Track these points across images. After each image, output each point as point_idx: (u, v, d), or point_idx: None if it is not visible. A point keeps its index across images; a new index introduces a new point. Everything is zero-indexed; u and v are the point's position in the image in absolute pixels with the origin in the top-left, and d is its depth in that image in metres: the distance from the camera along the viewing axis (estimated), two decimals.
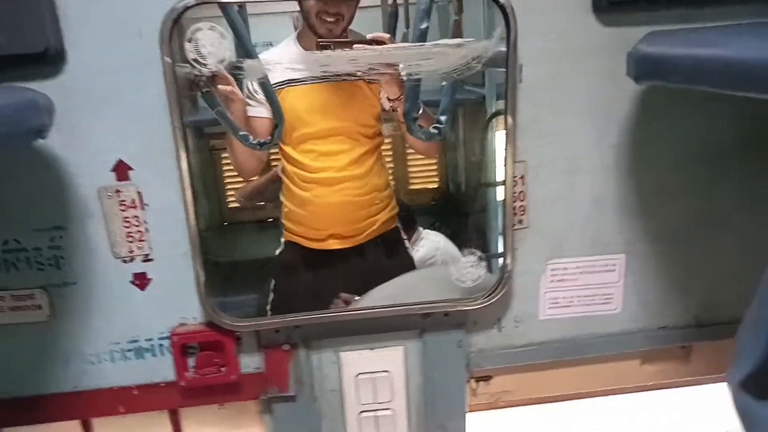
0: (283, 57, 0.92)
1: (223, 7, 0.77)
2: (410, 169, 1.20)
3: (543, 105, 0.91)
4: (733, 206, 1.02)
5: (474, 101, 1.07)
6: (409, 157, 1.19)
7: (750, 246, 1.05)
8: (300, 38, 0.94)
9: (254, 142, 0.96)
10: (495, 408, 1.14)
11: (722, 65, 0.52)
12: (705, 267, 1.06)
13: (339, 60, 0.80)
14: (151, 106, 0.82)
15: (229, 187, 1.15)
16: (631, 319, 1.07)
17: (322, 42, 0.81)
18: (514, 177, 0.93)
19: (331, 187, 1.02)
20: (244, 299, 1.07)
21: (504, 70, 0.85)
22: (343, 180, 1.02)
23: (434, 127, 0.96)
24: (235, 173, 1.13)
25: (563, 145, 0.94)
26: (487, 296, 0.95)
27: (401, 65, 0.81)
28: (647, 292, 1.05)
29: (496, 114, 1.09)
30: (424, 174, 1.23)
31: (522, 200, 0.96)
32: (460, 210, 1.24)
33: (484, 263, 0.95)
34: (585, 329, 1.06)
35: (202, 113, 0.94)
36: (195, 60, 0.77)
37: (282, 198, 1.07)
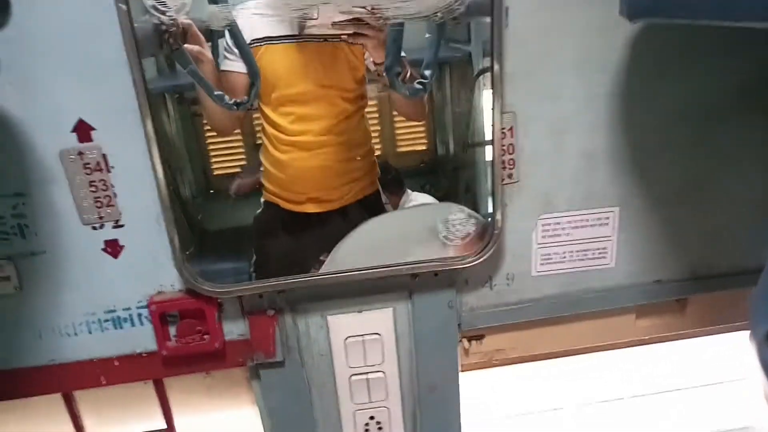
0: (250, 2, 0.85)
1: None
2: (397, 132, 1.16)
3: (531, 53, 0.86)
4: (724, 161, 0.99)
5: (460, 59, 1.02)
6: (396, 120, 1.14)
7: (741, 200, 1.02)
8: None
9: (230, 102, 0.91)
10: (488, 367, 1.12)
11: None
12: (698, 221, 1.03)
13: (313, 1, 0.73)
14: (110, 60, 0.76)
15: (213, 154, 1.10)
16: (626, 274, 1.04)
17: None
18: (503, 129, 0.88)
19: (309, 151, 0.97)
20: (233, 267, 1.04)
21: (488, 18, 0.79)
22: (322, 144, 0.97)
23: (419, 83, 0.91)
24: (218, 137, 1.09)
25: (552, 96, 0.89)
26: (478, 254, 0.92)
27: (381, 6, 0.75)
28: (641, 245, 1.02)
29: (483, 71, 1.04)
30: (412, 136, 1.19)
31: (511, 153, 0.92)
32: (449, 171, 1.20)
33: (473, 220, 0.90)
34: (578, 284, 1.03)
35: (180, 77, 0.88)
36: (153, 6, 0.71)
37: (261, 158, 1.02)
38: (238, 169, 1.12)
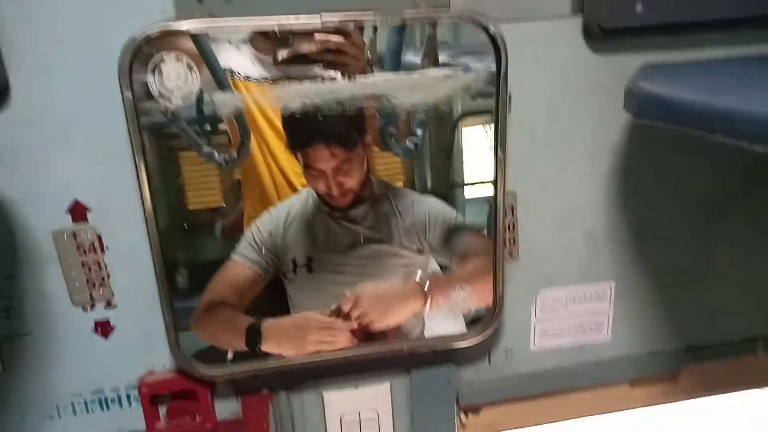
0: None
1: (196, 38, 0.69)
2: (376, 166, 1.14)
3: (533, 137, 0.87)
4: (720, 240, 1.01)
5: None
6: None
7: (734, 281, 1.04)
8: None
9: (219, 159, 0.89)
10: None
11: (743, 119, 0.48)
12: (692, 297, 1.04)
13: (318, 92, 0.73)
14: (111, 142, 0.74)
15: (190, 188, 1.05)
16: (621, 346, 1.04)
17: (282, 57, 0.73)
18: (504, 209, 0.88)
19: None
20: None
21: (493, 100, 0.80)
22: None
23: (410, 142, 0.91)
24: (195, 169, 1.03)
25: (554, 176, 0.90)
26: (479, 333, 0.91)
27: (387, 96, 0.75)
28: (637, 318, 1.03)
29: (465, 114, 1.05)
30: (389, 171, 1.18)
31: (512, 231, 0.92)
32: None
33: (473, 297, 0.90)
34: (575, 358, 1.03)
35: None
36: (159, 94, 0.69)
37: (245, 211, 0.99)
38: (216, 204, 1.07)
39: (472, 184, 1.20)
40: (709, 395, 1.19)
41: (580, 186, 0.91)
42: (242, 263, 0.90)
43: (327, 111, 0.76)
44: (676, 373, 1.11)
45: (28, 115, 0.72)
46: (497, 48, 0.74)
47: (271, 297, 0.96)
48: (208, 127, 0.90)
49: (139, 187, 0.75)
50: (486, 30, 0.73)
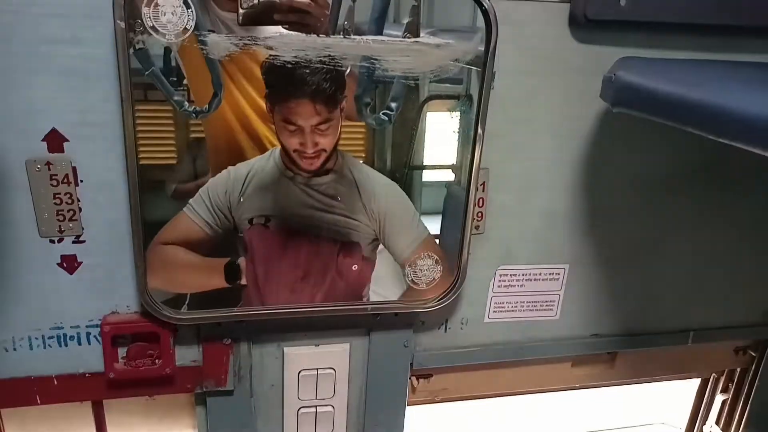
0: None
1: None
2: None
3: (511, 115, 0.91)
4: (668, 231, 1.08)
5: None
6: None
7: (678, 267, 1.12)
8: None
9: (189, 109, 0.89)
10: (431, 403, 1.16)
11: (722, 115, 0.53)
12: (638, 282, 1.11)
13: (313, 45, 0.74)
14: (98, 70, 0.73)
15: (141, 142, 1.03)
16: (568, 326, 1.11)
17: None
18: (477, 184, 0.92)
19: None
20: None
21: (479, 70, 0.83)
22: None
23: (384, 114, 0.93)
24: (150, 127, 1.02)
25: (525, 156, 0.95)
26: (440, 299, 0.95)
27: (378, 59, 0.77)
28: (584, 301, 1.09)
29: (430, 98, 1.08)
30: (350, 149, 1.20)
31: (480, 206, 0.96)
32: None
33: (440, 267, 0.94)
34: (525, 333, 1.09)
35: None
36: (153, 28, 0.69)
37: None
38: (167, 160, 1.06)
39: (433, 167, 1.24)
40: (640, 380, 1.29)
41: (547, 167, 0.96)
42: (192, 218, 0.90)
43: (316, 66, 0.77)
44: (614, 355, 1.19)
45: (3, 31, 0.70)
46: (488, 23, 0.77)
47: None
48: (174, 79, 0.90)
49: (123, 120, 0.74)
50: (480, 4, 0.76)
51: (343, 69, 0.80)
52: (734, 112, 0.51)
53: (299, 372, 0.97)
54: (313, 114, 0.85)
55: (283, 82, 0.83)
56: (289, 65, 0.76)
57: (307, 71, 0.79)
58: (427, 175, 1.21)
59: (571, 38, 0.88)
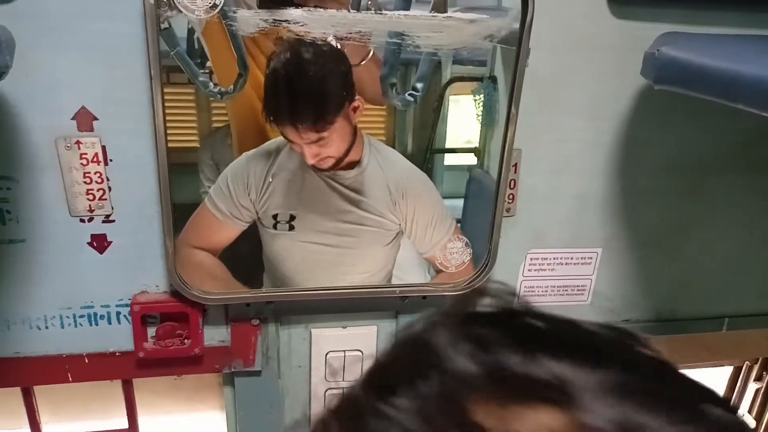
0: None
1: None
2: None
3: (544, 94, 0.88)
4: (703, 215, 1.05)
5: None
6: None
7: (712, 252, 1.08)
8: None
9: (215, 90, 0.88)
10: None
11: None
12: (670, 267, 1.08)
13: (344, 21, 0.72)
14: (127, 47, 0.72)
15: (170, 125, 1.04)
16: (598, 311, 1.08)
17: None
18: (510, 164, 0.90)
19: None
20: None
21: (514, 48, 0.80)
22: None
23: (410, 94, 0.91)
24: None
25: (558, 137, 0.92)
26: (469, 283, 0.93)
27: (412, 34, 0.75)
28: (616, 286, 1.07)
29: (453, 80, 1.05)
30: (371, 132, 1.18)
31: (512, 188, 0.93)
32: None
33: (470, 249, 0.92)
34: None
35: None
36: (181, 3, 0.68)
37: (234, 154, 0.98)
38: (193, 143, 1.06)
39: (455, 150, 1.21)
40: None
41: (580, 148, 0.93)
42: (215, 213, 0.89)
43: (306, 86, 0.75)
44: None
45: (38, 6, 0.69)
46: None
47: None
48: (198, 61, 0.89)
49: (152, 98, 0.73)
50: None
51: (341, 82, 0.78)
52: None
53: (326, 353, 0.97)
54: (299, 138, 0.83)
55: (268, 102, 0.81)
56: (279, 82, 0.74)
57: (285, 95, 0.78)
58: (448, 159, 1.20)
59: (609, 14, 0.85)
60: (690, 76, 0.64)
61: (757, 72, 0.53)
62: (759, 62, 0.55)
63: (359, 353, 0.98)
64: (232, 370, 0.94)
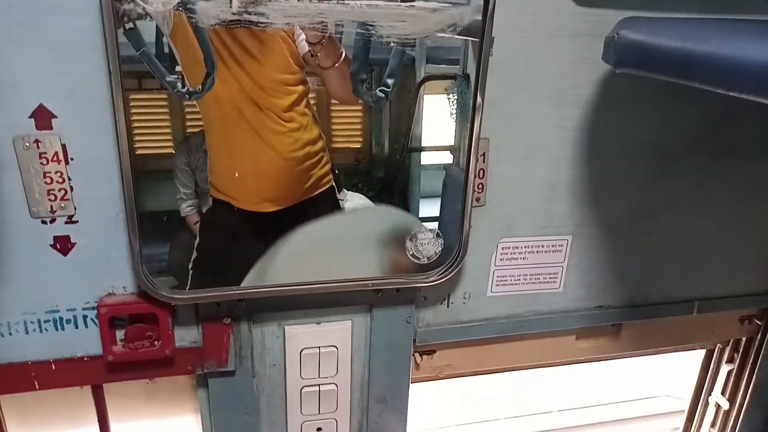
0: None
1: None
2: (333, 127, 1.15)
3: (510, 82, 0.89)
4: (671, 200, 1.07)
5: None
6: (332, 114, 1.13)
7: (681, 236, 1.10)
8: None
9: (183, 90, 0.87)
10: (435, 380, 1.15)
11: (732, 67, 0.51)
12: (641, 252, 1.10)
13: (306, 11, 0.72)
14: (85, 42, 0.71)
15: (137, 131, 1.03)
16: (571, 298, 1.09)
17: None
18: (477, 154, 0.90)
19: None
20: (153, 253, 0.98)
21: (477, 40, 0.81)
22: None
23: (381, 90, 0.91)
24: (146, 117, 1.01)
25: (526, 125, 0.93)
26: (442, 273, 0.93)
27: (375, 24, 0.75)
28: (588, 273, 1.08)
29: (427, 79, 1.06)
30: (347, 133, 1.18)
31: (481, 178, 0.94)
32: (383, 171, 1.21)
33: (441, 240, 0.92)
34: (528, 307, 1.07)
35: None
36: None
37: (209, 156, 0.98)
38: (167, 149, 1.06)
39: (431, 148, 1.22)
40: (645, 352, 1.28)
41: (548, 136, 0.94)
42: None
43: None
44: (618, 327, 1.18)
45: None
46: None
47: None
48: (167, 64, 0.88)
49: (112, 94, 0.72)
50: None
51: None
52: (745, 62, 0.49)
53: (301, 350, 0.96)
54: None
55: None
56: None
57: None
58: (425, 158, 1.20)
59: (571, 1, 0.86)
60: (648, 58, 0.65)
61: (710, 49, 0.54)
62: (712, 41, 0.56)
63: (334, 349, 0.98)
64: (205, 371, 0.93)
